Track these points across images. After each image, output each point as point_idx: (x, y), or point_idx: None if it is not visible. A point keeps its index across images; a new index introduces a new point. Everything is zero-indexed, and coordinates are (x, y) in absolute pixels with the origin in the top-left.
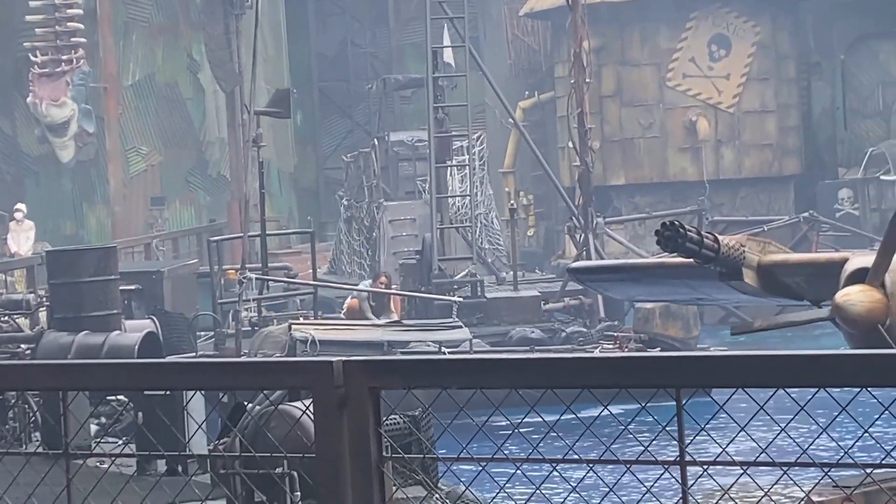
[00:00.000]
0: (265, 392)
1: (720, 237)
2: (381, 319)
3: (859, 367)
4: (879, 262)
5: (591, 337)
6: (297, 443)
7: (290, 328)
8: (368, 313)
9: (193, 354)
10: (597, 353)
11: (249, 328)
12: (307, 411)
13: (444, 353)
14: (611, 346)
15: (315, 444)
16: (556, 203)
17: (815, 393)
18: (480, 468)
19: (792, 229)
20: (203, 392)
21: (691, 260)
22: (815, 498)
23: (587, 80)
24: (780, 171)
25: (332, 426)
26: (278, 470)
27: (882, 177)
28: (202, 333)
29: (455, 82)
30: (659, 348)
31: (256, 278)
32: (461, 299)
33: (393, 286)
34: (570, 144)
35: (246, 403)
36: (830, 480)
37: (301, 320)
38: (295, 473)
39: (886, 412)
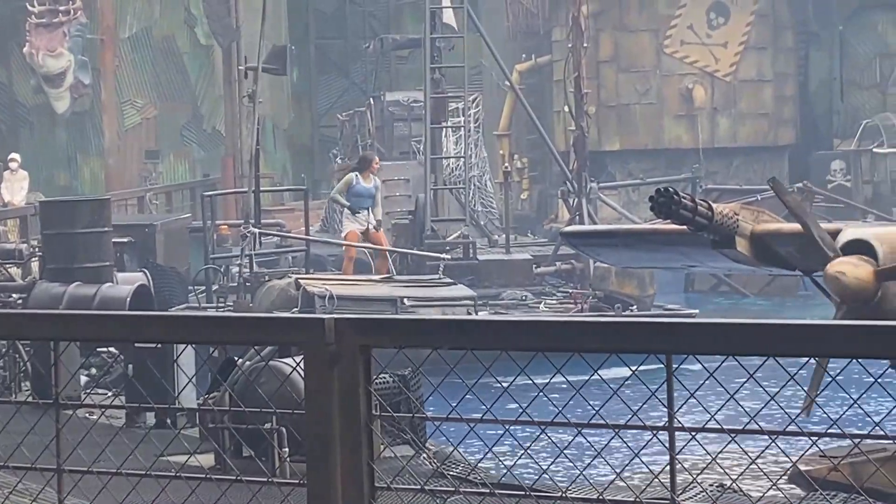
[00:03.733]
0: (256, 348)
1: (714, 205)
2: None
3: (850, 338)
4: (820, 243)
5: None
6: (287, 399)
7: (296, 283)
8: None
9: (185, 306)
10: (542, 313)
11: (238, 284)
12: (297, 368)
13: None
14: (555, 303)
15: (305, 401)
16: (551, 167)
17: (806, 362)
18: (469, 429)
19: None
20: (194, 346)
21: (684, 227)
22: (802, 467)
23: (585, 44)
24: (776, 140)
25: (322, 383)
26: (267, 425)
27: (875, 149)
28: (192, 288)
29: (452, 43)
30: (618, 305)
31: (260, 233)
32: (449, 258)
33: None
34: (566, 109)
35: (236, 359)
36: (818, 450)
37: (302, 275)
38: (283, 429)
39: (876, 384)
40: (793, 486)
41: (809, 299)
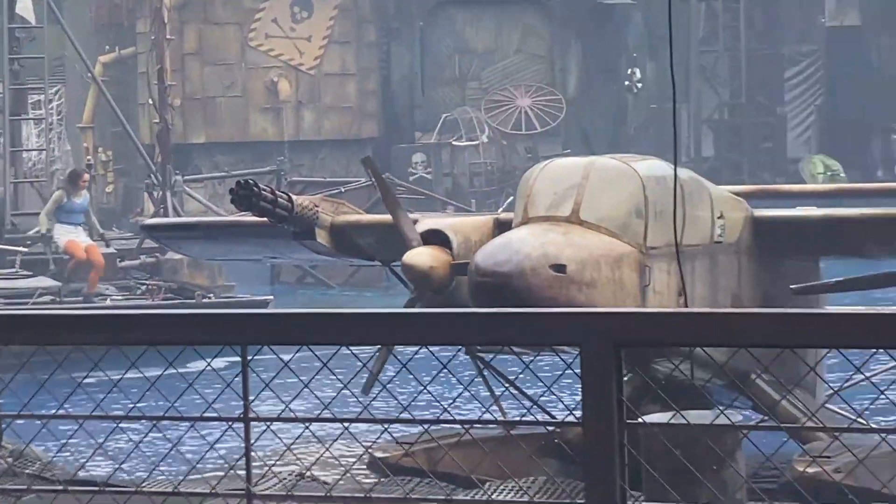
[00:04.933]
0: None
1: (294, 197)
2: None
3: (420, 325)
4: (402, 228)
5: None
6: None
7: None
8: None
9: None
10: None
11: None
12: None
13: None
14: (121, 299)
15: None
16: (136, 160)
17: (376, 351)
18: (41, 425)
19: (368, 191)
20: None
21: (266, 219)
22: (378, 454)
23: (168, 36)
24: (360, 133)
25: None
26: None
27: (454, 142)
28: None
29: (33, 34)
30: (199, 293)
31: None
32: (26, 249)
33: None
34: (150, 101)
35: None
36: (391, 437)
37: None
38: None
39: (445, 370)
40: (370, 472)
41: (391, 289)
